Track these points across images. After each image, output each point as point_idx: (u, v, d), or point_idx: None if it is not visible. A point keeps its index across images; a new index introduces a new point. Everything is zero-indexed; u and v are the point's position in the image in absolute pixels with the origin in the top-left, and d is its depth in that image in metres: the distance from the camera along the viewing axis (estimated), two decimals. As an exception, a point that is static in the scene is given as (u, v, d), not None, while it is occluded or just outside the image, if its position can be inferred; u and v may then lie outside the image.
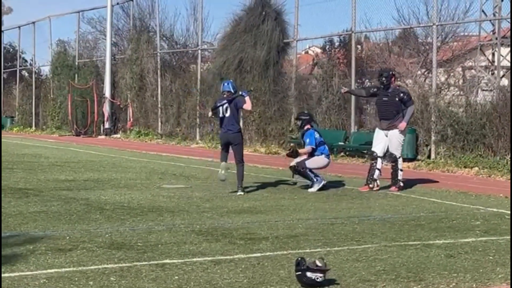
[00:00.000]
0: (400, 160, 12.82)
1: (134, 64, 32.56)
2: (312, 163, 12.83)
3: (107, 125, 34.08)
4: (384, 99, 12.86)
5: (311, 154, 12.89)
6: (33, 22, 42.90)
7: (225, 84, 12.66)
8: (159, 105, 31.17)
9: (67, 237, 7.44)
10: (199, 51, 29.72)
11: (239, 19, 25.60)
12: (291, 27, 24.93)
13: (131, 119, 32.66)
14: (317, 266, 5.63)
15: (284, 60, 25.60)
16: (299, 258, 5.74)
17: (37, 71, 43.87)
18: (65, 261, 6.30)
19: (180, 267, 6.17)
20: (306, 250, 7.09)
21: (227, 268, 6.20)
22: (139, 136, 31.21)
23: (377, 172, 12.73)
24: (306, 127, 13.09)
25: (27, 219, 8.60)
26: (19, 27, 45.23)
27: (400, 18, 22.40)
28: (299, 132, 13.60)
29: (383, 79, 12.88)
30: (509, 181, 14.67)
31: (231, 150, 12.38)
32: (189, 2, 31.58)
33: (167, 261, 6.42)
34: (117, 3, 34.87)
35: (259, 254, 6.83)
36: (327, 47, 25.65)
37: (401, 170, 12.86)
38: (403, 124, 12.63)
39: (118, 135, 33.25)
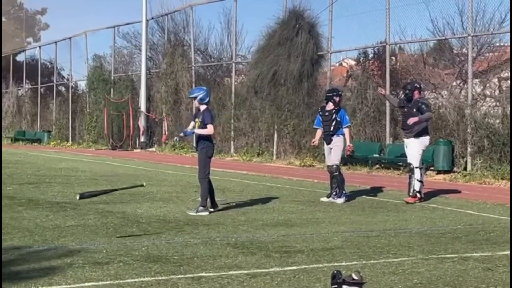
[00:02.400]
0: (417, 170, 12.71)
1: (169, 78, 32.78)
2: (337, 156, 12.97)
3: (142, 139, 34.31)
4: (405, 110, 13.05)
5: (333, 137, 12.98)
6: (70, 38, 43.44)
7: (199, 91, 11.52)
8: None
9: (104, 251, 7.49)
10: (233, 65, 29.83)
11: (273, 32, 25.65)
12: (325, 39, 24.95)
13: (166, 133, 32.84)
14: (353, 279, 5.60)
15: (318, 73, 25.59)
16: (335, 271, 5.71)
17: (73, 85, 44.37)
18: (102, 275, 6.34)
19: (216, 281, 6.18)
20: (342, 263, 7.07)
21: (263, 281, 6.20)
22: (174, 150, 31.38)
23: (419, 184, 12.71)
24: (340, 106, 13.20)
25: (64, 232, 8.67)
26: (55, 42, 45.82)
27: (435, 29, 22.27)
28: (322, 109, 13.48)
29: (407, 91, 13.07)
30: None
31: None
32: (223, 15, 31.72)
33: (203, 274, 6.44)
34: (152, 18, 35.17)
35: (294, 267, 6.82)
36: (361, 59, 25.58)
37: (421, 181, 12.74)
38: (413, 119, 12.59)
39: (154, 149, 33.46)
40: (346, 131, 13.09)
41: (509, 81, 21.41)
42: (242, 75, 30.51)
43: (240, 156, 26.97)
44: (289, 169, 21.87)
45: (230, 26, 31.13)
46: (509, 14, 20.17)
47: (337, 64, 29.32)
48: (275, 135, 25.96)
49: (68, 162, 24.46)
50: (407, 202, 12.58)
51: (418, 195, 12.70)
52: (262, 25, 26.69)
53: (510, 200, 12.30)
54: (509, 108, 18.97)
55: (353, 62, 27.24)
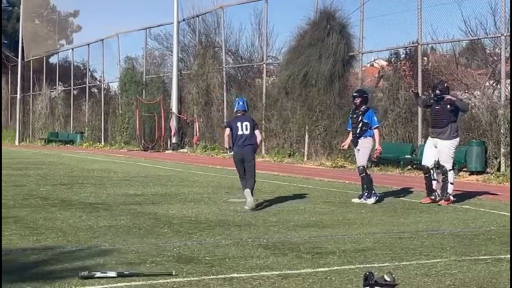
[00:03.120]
0: (450, 173, 12.61)
1: (200, 79, 32.89)
2: (364, 157, 12.89)
3: (174, 140, 34.47)
4: (436, 107, 12.82)
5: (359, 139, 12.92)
6: (102, 40, 43.79)
7: (240, 103, 12.62)
8: (225, 120, 31.36)
9: (136, 251, 7.53)
10: (264, 66, 29.85)
11: (304, 33, 25.62)
12: (356, 40, 24.86)
13: (198, 134, 32.95)
14: (385, 281, 5.58)
15: (349, 73, 25.51)
16: (367, 273, 5.70)
17: (106, 87, 44.70)
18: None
19: (248, 281, 6.19)
20: (374, 264, 7.03)
21: (295, 282, 6.19)
22: (205, 151, 31.47)
23: (435, 182, 12.62)
24: (366, 106, 13.18)
25: (97, 233, 8.74)
26: (88, 44, 46.21)
27: (467, 29, 22.08)
28: (353, 111, 13.49)
29: (437, 91, 12.83)
30: None
31: None
32: (254, 17, 31.78)
33: (235, 275, 6.45)
34: (183, 20, 35.32)
35: (326, 269, 6.80)
36: (393, 59, 25.45)
37: (452, 183, 12.59)
38: (449, 97, 12.52)
39: (185, 150, 33.58)
40: (375, 132, 13.00)
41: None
42: (273, 76, 30.51)
43: (271, 157, 26.97)
44: (320, 170, 21.82)
45: (261, 27, 31.19)
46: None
47: (368, 65, 29.20)
48: (306, 136, 25.91)
49: (101, 163, 24.65)
50: (423, 203, 12.50)
51: (451, 197, 12.60)
52: (293, 26, 26.74)
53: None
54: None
55: (384, 63, 27.11)
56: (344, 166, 22.33)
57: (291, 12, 33.38)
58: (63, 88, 50.96)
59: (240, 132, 12.12)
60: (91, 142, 42.57)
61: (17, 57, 52.04)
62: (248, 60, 32.99)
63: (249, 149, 12.15)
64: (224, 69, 32.19)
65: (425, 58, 24.12)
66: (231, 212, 11.17)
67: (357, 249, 7.89)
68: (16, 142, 51.19)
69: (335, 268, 6.85)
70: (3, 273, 6.30)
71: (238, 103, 12.60)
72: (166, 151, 34.17)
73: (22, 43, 51.94)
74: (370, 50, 25.51)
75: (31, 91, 52.70)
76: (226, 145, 12.72)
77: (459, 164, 19.03)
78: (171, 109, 34.82)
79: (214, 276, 6.37)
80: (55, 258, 7.10)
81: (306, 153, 25.86)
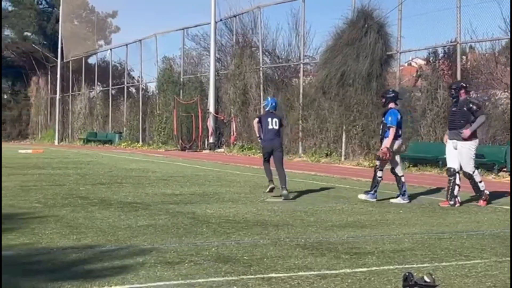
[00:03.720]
0: (476, 172, 12.46)
1: (237, 79, 32.97)
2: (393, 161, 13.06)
3: (211, 140, 34.60)
4: (453, 109, 12.70)
5: (384, 138, 13.00)
6: (140, 40, 44.13)
7: (273, 104, 14.32)
8: (262, 119, 31.38)
9: (175, 250, 7.57)
10: (301, 65, 29.83)
11: (341, 32, 25.55)
12: (394, 39, 24.71)
13: (235, 134, 33.04)
14: (425, 281, 5.54)
15: (387, 73, 25.37)
16: (407, 273, 5.66)
17: (144, 87, 45.02)
18: (174, 274, 6.40)
19: (286, 281, 6.19)
20: (413, 265, 6.98)
21: (333, 282, 6.17)
22: (242, 150, 31.55)
23: (457, 188, 12.45)
24: (389, 106, 13.15)
25: (136, 232, 8.80)
26: (126, 45, 46.60)
27: (507, 28, 21.82)
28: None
29: (452, 91, 12.70)
30: None
31: None
32: (291, 16, 31.77)
33: (273, 275, 6.45)
34: (221, 20, 35.43)
35: (365, 269, 6.77)
36: (431, 58, 25.25)
37: (480, 181, 12.46)
38: (466, 132, 12.32)
39: (222, 150, 33.69)
40: (390, 132, 12.96)
41: None
42: (310, 76, 30.48)
43: (308, 157, 26.94)
44: (358, 170, 21.73)
45: (298, 26, 31.18)
46: None
47: (406, 64, 29.02)
48: (344, 136, 25.83)
49: (139, 163, 24.83)
50: (442, 206, 12.32)
51: (487, 193, 12.46)
52: (330, 25, 26.72)
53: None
54: None
55: (422, 62, 26.92)
56: (382, 166, 22.18)
57: (328, 12, 33.35)
58: (101, 88, 51.45)
59: (270, 127, 13.85)
60: (129, 142, 42.91)
61: (57, 58, 52.68)
62: (285, 60, 32.99)
63: (278, 141, 13.96)
64: (261, 69, 32.23)
65: (464, 57, 23.89)
66: (269, 212, 11.17)
67: (396, 250, 7.84)
68: (56, 142, 51.83)
69: (374, 268, 6.81)
70: (44, 272, 6.39)
71: (271, 103, 14.31)
72: (203, 151, 34.31)
73: (62, 44, 52.57)
74: (409, 49, 25.37)
75: (70, 91, 53.30)
76: (257, 133, 14.42)
77: (499, 165, 18.82)
78: (208, 109, 34.95)
79: (252, 276, 6.38)
80: (95, 257, 7.16)
81: (343, 153, 25.78)
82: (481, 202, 12.39)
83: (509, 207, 12.08)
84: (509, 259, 7.39)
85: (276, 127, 13.85)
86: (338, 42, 25.46)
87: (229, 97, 33.87)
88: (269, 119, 13.88)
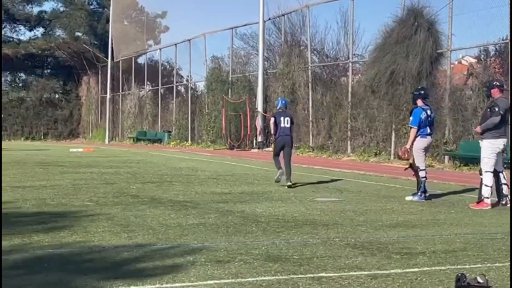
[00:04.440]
0: (486, 175, 12.11)
1: (285, 78, 32.93)
2: (417, 158, 12.95)
3: (259, 139, 34.62)
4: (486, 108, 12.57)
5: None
6: (189, 40, 44.36)
7: (283, 102, 16.43)
8: (310, 118, 31.34)
9: (225, 249, 7.60)
10: (350, 64, 29.68)
11: (390, 30, 25.34)
12: (445, 37, 24.41)
13: (283, 133, 32.98)
14: (478, 282, 5.47)
15: (437, 71, 25.09)
16: (459, 274, 5.60)
17: (192, 86, 45.26)
18: (224, 273, 6.43)
19: (337, 281, 6.16)
20: (466, 266, 6.90)
21: (384, 283, 6.13)
22: (291, 149, 31.49)
23: (505, 187, 12.21)
24: (417, 104, 13.11)
25: (186, 231, 8.85)
26: (175, 44, 46.89)
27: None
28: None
29: (485, 89, 12.55)
30: None
31: None
32: (340, 15, 31.62)
33: (323, 274, 6.43)
34: (269, 19, 35.44)
35: (416, 269, 6.71)
36: (482, 56, 24.89)
37: (488, 186, 12.03)
38: (477, 128, 12.30)
39: (270, 148, 33.65)
40: (411, 131, 13.00)
41: None
42: (359, 74, 30.31)
43: (357, 156, 26.80)
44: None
45: (346, 25, 31.02)
46: None
47: (456, 62, 28.66)
48: (393, 135, 25.63)
49: (188, 162, 24.98)
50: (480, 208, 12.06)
51: (488, 201, 12.07)
52: (379, 23, 26.51)
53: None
54: None
55: (473, 60, 26.56)
56: (432, 166, 21.96)
57: (378, 10, 33.07)
58: (151, 88, 51.88)
59: (283, 125, 15.69)
60: (178, 140, 43.19)
61: (107, 58, 53.28)
62: (333, 59, 32.85)
63: (290, 138, 15.82)
64: (309, 67, 32.15)
65: (516, 55, 23.50)
66: (318, 211, 11.15)
67: (447, 250, 7.75)
68: (106, 141, 52.43)
69: (425, 269, 6.75)
70: (97, 270, 6.47)
71: (282, 102, 16.38)
72: (252, 150, 34.36)
73: (112, 43, 53.14)
74: (459, 47, 25.03)
75: (120, 90, 53.87)
76: (272, 131, 16.10)
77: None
78: (256, 108, 34.99)
79: (302, 275, 6.37)
80: (146, 255, 7.22)
81: (392, 152, 25.57)
82: (475, 204, 12.06)
83: None
84: None
85: (288, 125, 15.69)
86: (387, 41, 25.26)
87: (277, 96, 33.79)
88: (282, 118, 15.72)
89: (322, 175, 18.95)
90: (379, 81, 25.23)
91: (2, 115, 55.52)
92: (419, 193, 12.97)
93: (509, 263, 7.05)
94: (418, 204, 12.44)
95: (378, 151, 26.37)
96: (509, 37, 21.59)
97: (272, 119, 16.00)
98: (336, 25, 32.48)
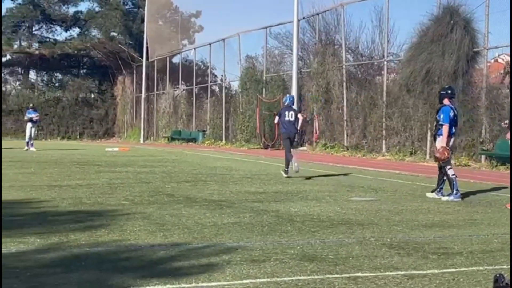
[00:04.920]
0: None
1: (320, 77, 32.85)
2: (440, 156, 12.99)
3: (294, 138, 34.54)
4: None
5: (437, 135, 13.13)
6: (223, 39, 44.44)
7: (290, 98, 18.38)
8: (345, 118, 31.23)
9: (260, 248, 7.60)
10: (385, 63, 29.52)
11: (426, 29, 25.16)
12: (481, 35, 24.18)
13: (317, 132, 32.94)
14: (516, 283, 5.40)
15: (474, 70, 24.84)
16: (498, 275, 5.51)
17: (227, 86, 45.35)
18: (259, 272, 6.43)
19: (373, 281, 6.13)
20: (504, 266, 6.82)
21: (421, 283, 6.09)
22: (325, 149, 31.43)
23: None
24: (444, 102, 13.17)
25: (221, 230, 8.87)
26: (210, 44, 47.01)
27: None
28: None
29: None
30: None
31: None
32: (375, 13, 31.44)
33: (359, 274, 6.40)
34: (303, 18, 35.37)
35: (453, 270, 6.65)
36: (520, 54, 24.60)
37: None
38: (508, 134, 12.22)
39: (305, 148, 33.64)
40: (443, 130, 12.92)
41: None
42: (394, 73, 30.13)
43: (392, 155, 26.65)
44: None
45: (381, 24, 30.85)
46: None
47: (492, 61, 28.36)
48: (428, 134, 25.43)
49: (223, 161, 25.04)
50: None
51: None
52: (414, 22, 26.31)
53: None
54: None
55: (509, 58, 26.24)
56: (469, 165, 21.78)
57: (413, 8, 32.73)
58: (185, 87, 52.09)
59: (287, 118, 17.40)
60: (213, 140, 43.31)
61: (142, 57, 53.60)
62: (368, 58, 32.69)
63: (294, 130, 17.48)
64: (344, 66, 32.03)
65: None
66: (353, 210, 11.10)
67: (485, 250, 7.68)
68: (141, 140, 52.74)
69: (463, 269, 6.69)
70: (133, 268, 6.51)
71: (289, 98, 18.30)
72: (286, 149, 34.31)
73: (147, 43, 53.45)
74: (496, 46, 24.75)
75: (155, 90, 54.16)
76: (276, 125, 18.27)
77: None
78: (291, 107, 34.93)
79: (338, 275, 6.35)
80: (182, 254, 7.25)
81: (428, 151, 25.39)
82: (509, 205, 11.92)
83: None
84: None
85: (292, 119, 17.40)
86: (423, 39, 25.08)
87: (311, 95, 33.79)
88: (286, 112, 17.54)
89: (356, 175, 18.88)
90: (415, 80, 25.06)
91: (44, 115, 56.22)
92: (454, 192, 12.87)
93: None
94: (454, 204, 12.33)
95: (413, 151, 26.20)
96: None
97: (276, 118, 18.22)
98: (371, 23, 32.36)
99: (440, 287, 5.97)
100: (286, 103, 18.00)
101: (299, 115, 17.74)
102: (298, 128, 17.77)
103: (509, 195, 12.80)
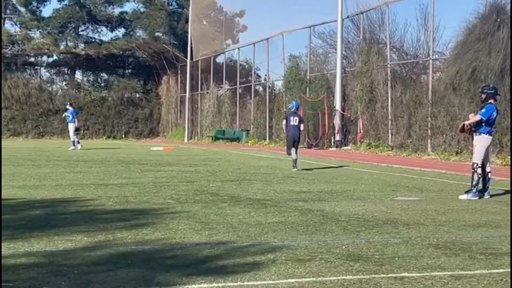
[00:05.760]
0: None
1: (364, 76, 32.69)
2: (478, 155, 13.02)
3: (337, 137, 34.46)
4: None
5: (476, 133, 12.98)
6: (267, 39, 44.45)
7: (296, 105, 20.64)
8: (390, 117, 31.02)
9: (305, 248, 7.58)
10: (430, 61, 29.24)
11: (472, 27, 24.88)
12: (529, 33, 23.81)
13: (362, 131, 32.77)
14: None
15: (521, 68, 24.49)
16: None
17: (270, 85, 45.36)
18: (305, 271, 6.41)
19: (420, 281, 6.08)
20: (553, 267, 6.71)
21: (469, 283, 6.02)
22: (369, 148, 31.26)
23: None
24: (489, 101, 13.00)
25: (266, 229, 8.87)
26: (253, 44, 47.06)
27: None
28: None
29: None
30: None
31: None
32: (420, 12, 31.18)
33: (406, 274, 6.35)
34: (347, 17, 35.22)
35: (501, 270, 6.56)
36: None
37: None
38: None
39: (349, 147, 33.51)
40: (476, 117, 13.06)
41: None
42: (439, 72, 29.83)
43: (437, 154, 26.39)
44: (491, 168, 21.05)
45: (427, 22, 30.57)
46: None
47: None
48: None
49: (266, 160, 25.06)
50: None
51: None
52: (460, 20, 26.06)
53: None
54: None
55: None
56: (517, 164, 21.46)
57: (459, 6, 32.43)
58: (229, 87, 52.24)
59: (292, 123, 20.00)
60: (257, 139, 43.37)
61: (186, 57, 53.90)
62: (413, 56, 32.43)
63: (298, 133, 20.01)
64: (388, 65, 31.82)
65: None
66: (399, 210, 11.02)
67: (533, 251, 7.56)
68: (185, 140, 53.05)
69: (511, 270, 6.60)
70: (179, 267, 6.54)
71: (295, 106, 20.59)
72: (330, 149, 34.24)
73: (191, 43, 53.72)
74: (544, 43, 24.34)
75: (199, 90, 54.42)
76: (284, 129, 20.67)
77: None
78: (334, 107, 34.84)
79: (384, 275, 6.31)
80: (227, 253, 7.27)
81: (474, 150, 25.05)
82: None
83: None
84: None
85: (296, 124, 19.94)
86: (469, 37, 24.81)
87: (355, 94, 33.64)
88: (291, 117, 20.05)
89: (401, 174, 18.74)
90: (461, 78, 24.80)
91: (89, 115, 56.86)
92: (486, 190, 12.87)
93: None
94: (501, 203, 12.17)
95: (459, 150, 25.90)
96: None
97: (284, 121, 20.55)
98: (416, 22, 32.09)
99: (488, 287, 5.89)
100: (292, 109, 20.38)
101: (301, 125, 20.12)
102: (301, 130, 20.10)
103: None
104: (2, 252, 7.04)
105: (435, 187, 15.06)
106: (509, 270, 6.59)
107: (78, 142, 33.73)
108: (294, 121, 19.99)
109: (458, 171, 19.79)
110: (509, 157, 22.46)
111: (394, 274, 6.33)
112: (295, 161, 19.87)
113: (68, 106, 35.61)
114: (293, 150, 19.88)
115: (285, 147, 21.07)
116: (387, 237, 8.41)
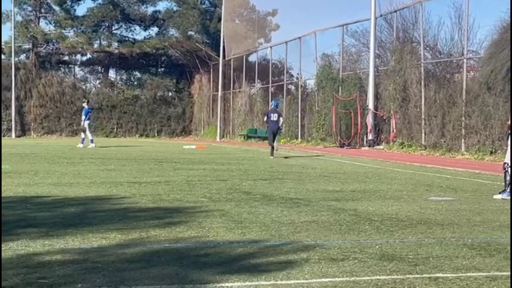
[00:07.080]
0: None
1: (397, 75, 32.50)
2: (510, 155, 12.78)
3: (370, 137, 34.31)
4: None
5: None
6: (299, 37, 44.39)
7: (274, 104, 26.96)
8: (423, 116, 30.81)
9: (338, 247, 7.56)
10: (464, 60, 28.98)
11: (507, 25, 24.60)
12: None
13: (394, 130, 32.59)
14: None
15: (557, 67, 24.18)
16: None
17: (302, 84, 45.29)
18: (338, 271, 6.39)
19: (454, 282, 6.03)
20: None
21: (504, 285, 5.96)
22: (402, 147, 31.07)
23: None
24: None
25: (299, 228, 8.86)
26: (286, 42, 47.02)
27: None
28: None
29: None
30: None
31: None
32: (454, 10, 30.89)
33: (440, 275, 6.30)
34: (381, 15, 35.04)
35: (537, 272, 6.48)
36: None
37: None
38: None
39: (381, 146, 33.34)
40: None
41: None
42: (473, 71, 29.55)
43: (471, 154, 26.16)
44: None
45: (461, 21, 30.28)
46: None
47: None
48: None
49: (299, 159, 25.03)
50: None
51: None
52: (495, 19, 25.76)
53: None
54: None
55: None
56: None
57: (494, 5, 32.11)
58: (261, 86, 52.24)
59: (272, 119, 25.23)
60: (288, 138, 43.32)
61: (219, 56, 54.00)
62: (447, 55, 32.15)
63: (277, 126, 25.35)
64: (422, 64, 31.60)
65: None
66: (432, 210, 10.94)
67: None
68: (217, 138, 53.16)
69: (547, 271, 6.51)
70: (212, 265, 6.56)
71: (274, 104, 26.90)
72: (362, 148, 34.10)
73: (223, 42, 53.82)
74: None
75: (231, 88, 54.51)
76: (265, 123, 26.19)
77: None
78: (367, 106, 34.69)
79: (418, 275, 6.26)
80: (260, 251, 7.27)
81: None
82: None
83: None
84: None
85: (275, 119, 25.34)
86: (504, 36, 24.55)
87: (388, 93, 33.45)
88: (272, 114, 25.63)
89: (435, 174, 18.61)
90: (495, 78, 24.55)
91: (123, 113, 57.26)
92: (508, 190, 12.75)
93: None
94: (537, 204, 12.02)
95: (493, 150, 25.65)
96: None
97: (265, 117, 26.31)
98: (450, 20, 31.76)
99: (525, 289, 5.83)
100: (272, 107, 26.65)
101: (280, 118, 25.70)
102: (280, 125, 25.79)
103: None
104: (38, 249, 7.13)
105: (469, 187, 14.93)
106: (546, 271, 6.51)
107: (82, 141, 34.10)
108: (274, 117, 25.45)
109: (492, 171, 19.59)
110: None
111: (428, 275, 6.29)
112: (273, 149, 25.33)
113: (84, 104, 36.01)
114: (275, 142, 25.65)
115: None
116: (421, 237, 8.35)
